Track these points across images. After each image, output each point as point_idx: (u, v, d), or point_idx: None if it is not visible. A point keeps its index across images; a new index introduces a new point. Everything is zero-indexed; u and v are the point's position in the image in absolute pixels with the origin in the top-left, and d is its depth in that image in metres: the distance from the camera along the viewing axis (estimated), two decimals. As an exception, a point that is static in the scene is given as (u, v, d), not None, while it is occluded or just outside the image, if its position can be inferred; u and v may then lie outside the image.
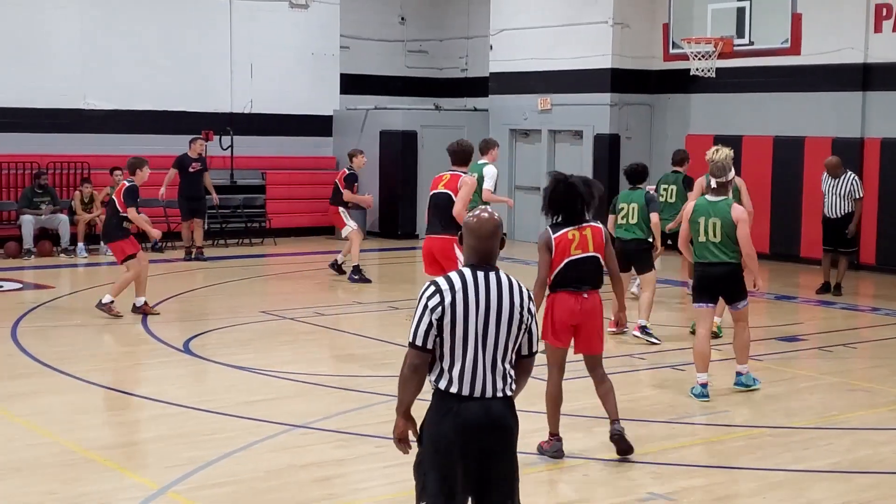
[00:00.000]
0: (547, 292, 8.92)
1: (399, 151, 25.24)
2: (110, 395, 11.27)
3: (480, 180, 15.14)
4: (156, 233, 15.96)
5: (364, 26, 28.21)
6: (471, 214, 5.78)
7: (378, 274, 20.48)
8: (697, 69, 21.54)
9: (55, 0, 23.36)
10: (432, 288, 5.62)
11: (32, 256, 21.11)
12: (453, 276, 5.64)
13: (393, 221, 25.54)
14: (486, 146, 15.97)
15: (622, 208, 13.89)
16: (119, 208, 15.06)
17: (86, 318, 15.18)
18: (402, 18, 29.15)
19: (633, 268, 14.04)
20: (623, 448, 9.02)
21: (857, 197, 17.69)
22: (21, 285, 17.97)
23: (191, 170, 21.57)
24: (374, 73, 28.60)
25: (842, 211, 17.65)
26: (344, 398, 11.02)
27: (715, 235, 10.92)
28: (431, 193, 12.37)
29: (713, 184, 11.09)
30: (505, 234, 6.36)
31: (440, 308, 5.56)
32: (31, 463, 8.87)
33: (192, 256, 21.47)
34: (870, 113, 20.60)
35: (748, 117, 22.25)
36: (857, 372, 12.73)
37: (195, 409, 10.52)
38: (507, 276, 5.72)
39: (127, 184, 15.12)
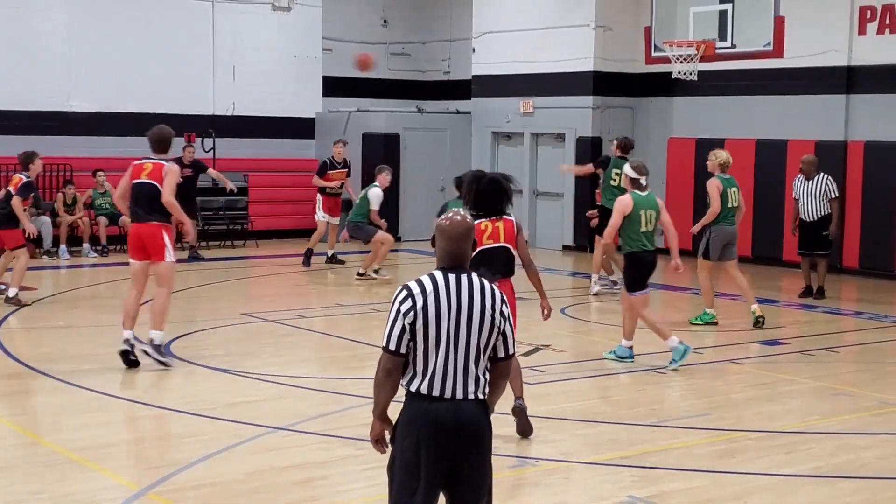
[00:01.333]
0: None
1: (381, 154, 25.16)
2: (92, 396, 11.20)
3: (367, 202, 18.87)
4: (31, 227, 16.45)
5: (347, 29, 28.15)
6: (443, 217, 5.77)
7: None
8: (680, 72, 21.57)
9: (40, 2, 23.33)
10: (404, 292, 5.61)
11: (14, 258, 21.00)
12: (425, 279, 5.63)
13: (375, 223, 25.50)
14: (379, 171, 19.07)
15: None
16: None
17: (68, 320, 15.16)
18: (385, 21, 29.11)
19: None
20: (522, 426, 9.56)
21: (833, 197, 17.61)
22: (3, 287, 17.86)
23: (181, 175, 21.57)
24: (357, 75, 28.53)
25: (818, 213, 17.50)
26: (325, 400, 11.00)
27: (650, 224, 12.43)
28: (134, 182, 12.32)
29: (643, 181, 12.46)
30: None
31: (412, 312, 5.56)
32: (16, 463, 8.87)
33: (188, 258, 21.40)
34: (853, 116, 20.59)
35: (731, 120, 22.24)
36: (840, 376, 12.72)
37: (176, 411, 10.50)
38: (479, 279, 5.71)
39: (24, 178, 16.12)
